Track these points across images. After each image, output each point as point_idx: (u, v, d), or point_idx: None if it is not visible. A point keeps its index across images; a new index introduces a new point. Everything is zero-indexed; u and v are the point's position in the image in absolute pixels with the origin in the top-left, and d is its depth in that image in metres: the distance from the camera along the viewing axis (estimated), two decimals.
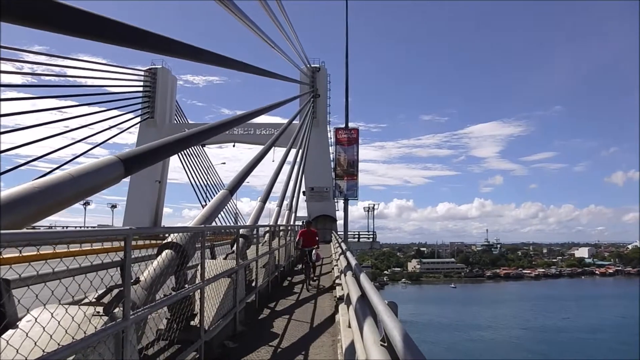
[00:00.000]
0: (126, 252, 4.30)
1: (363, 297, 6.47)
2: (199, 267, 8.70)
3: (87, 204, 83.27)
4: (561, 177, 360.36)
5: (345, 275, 9.67)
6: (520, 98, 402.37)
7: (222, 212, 65.75)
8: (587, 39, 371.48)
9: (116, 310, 4.37)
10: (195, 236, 7.49)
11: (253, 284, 12.84)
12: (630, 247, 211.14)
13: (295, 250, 22.45)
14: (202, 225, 8.32)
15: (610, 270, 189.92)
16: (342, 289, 12.11)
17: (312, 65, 71.83)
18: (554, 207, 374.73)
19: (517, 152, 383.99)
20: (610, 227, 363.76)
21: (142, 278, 6.29)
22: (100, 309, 4.34)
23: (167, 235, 7.58)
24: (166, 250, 7.17)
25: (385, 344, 3.94)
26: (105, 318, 4.25)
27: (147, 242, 8.46)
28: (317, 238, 18.48)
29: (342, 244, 17.33)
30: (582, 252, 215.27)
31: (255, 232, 13.55)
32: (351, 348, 6.67)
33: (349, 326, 8.07)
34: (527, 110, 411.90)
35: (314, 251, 17.75)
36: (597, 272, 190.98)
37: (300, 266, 20.74)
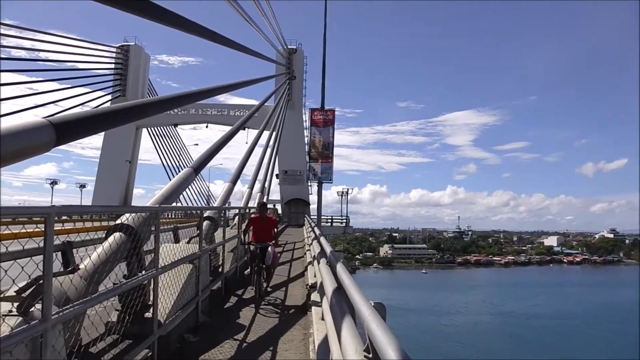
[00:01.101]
0: (47, 237, 3.42)
1: (339, 290, 5.69)
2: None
3: (54, 182, 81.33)
4: (533, 166, 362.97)
5: (319, 263, 8.87)
6: (495, 87, 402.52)
7: (193, 195, 65.25)
8: (564, 30, 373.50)
9: (33, 309, 3.52)
10: (151, 217, 6.58)
11: (219, 270, 11.95)
12: (597, 236, 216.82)
13: (242, 246, 14.00)
14: (157, 205, 7.27)
15: (578, 259, 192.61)
16: (315, 276, 11.37)
17: (289, 47, 70.78)
18: (525, 196, 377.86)
19: (491, 141, 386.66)
20: (579, 216, 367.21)
21: (82, 266, 5.41)
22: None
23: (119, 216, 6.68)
24: (116, 234, 6.27)
25: (370, 356, 3.15)
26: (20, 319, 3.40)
27: (99, 224, 7.55)
28: (275, 230, 12.78)
29: (316, 229, 16.26)
30: (551, 241, 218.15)
31: (222, 214, 12.65)
32: (324, 346, 5.89)
33: (322, 318, 7.30)
34: (502, 99, 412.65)
35: (269, 249, 12.09)
36: (565, 260, 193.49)
37: (247, 272, 12.61)
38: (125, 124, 8.63)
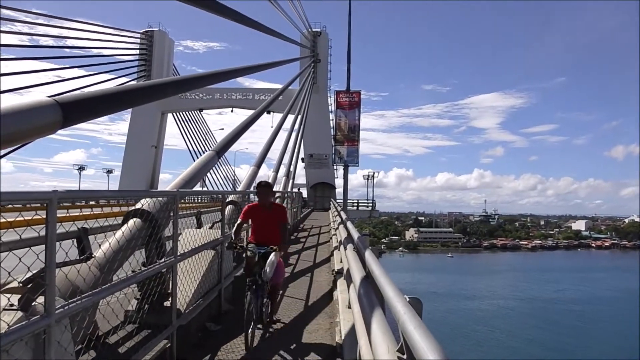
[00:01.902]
0: (48, 224, 3.12)
1: (367, 279, 5.36)
2: (180, 237, 7.62)
3: (81, 168, 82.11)
4: (561, 149, 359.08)
5: (345, 249, 8.54)
6: (522, 69, 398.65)
7: (220, 179, 65.40)
8: (592, 8, 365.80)
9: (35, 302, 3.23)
10: (169, 202, 6.28)
11: (244, 255, 11.66)
12: (627, 221, 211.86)
13: (231, 249, 8.66)
14: (175, 190, 6.99)
15: (607, 244, 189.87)
16: (341, 262, 11.05)
17: (314, 30, 70.21)
18: (553, 179, 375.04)
19: (518, 123, 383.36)
20: (608, 200, 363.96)
21: (97, 254, 5.14)
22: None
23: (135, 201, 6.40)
24: (133, 219, 6.00)
25: (405, 357, 2.80)
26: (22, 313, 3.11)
27: (118, 209, 7.27)
28: (284, 223, 8.10)
29: (342, 213, 15.78)
30: (579, 225, 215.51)
31: (246, 198, 12.34)
32: (351, 338, 5.58)
33: (349, 307, 6.98)
34: (529, 81, 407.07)
35: (271, 257, 7.33)
36: (593, 245, 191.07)
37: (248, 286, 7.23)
38: (139, 105, 8.31)
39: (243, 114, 70.14)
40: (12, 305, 3.18)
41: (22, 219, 3.23)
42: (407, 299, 2.93)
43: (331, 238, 19.53)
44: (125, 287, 4.70)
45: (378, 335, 3.53)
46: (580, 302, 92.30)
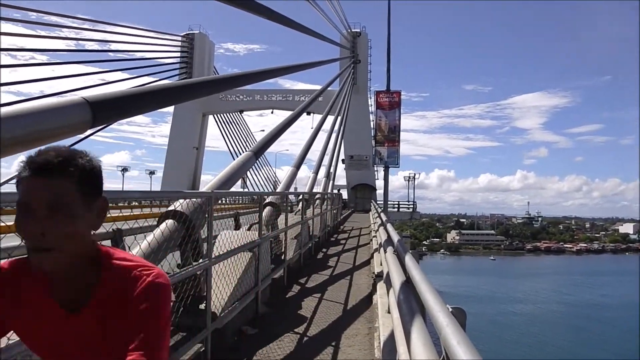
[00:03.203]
0: None
1: (408, 284, 5.14)
2: (217, 239, 7.49)
3: (125, 170, 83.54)
4: (608, 150, 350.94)
5: (385, 252, 8.32)
6: (566, 68, 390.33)
7: (261, 181, 65.77)
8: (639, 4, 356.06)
9: None
10: (205, 203, 6.16)
11: (282, 257, 11.52)
12: None
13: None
14: (210, 191, 6.77)
15: None
16: (381, 264, 10.83)
17: (353, 31, 70.11)
18: (599, 180, 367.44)
19: (562, 124, 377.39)
20: None
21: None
22: None
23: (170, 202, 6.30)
24: (168, 221, 5.90)
25: None
26: None
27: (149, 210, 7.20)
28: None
29: (382, 214, 15.51)
30: (627, 228, 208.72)
31: (285, 199, 12.20)
32: (390, 345, 5.36)
33: (388, 311, 6.77)
34: (573, 80, 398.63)
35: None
36: None
37: None
38: (171, 105, 8.24)
39: (283, 115, 70.02)
40: None
41: None
42: (450, 309, 2.72)
43: (371, 240, 19.29)
44: None
45: (418, 345, 3.31)
46: (629, 307, 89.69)
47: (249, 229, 9.66)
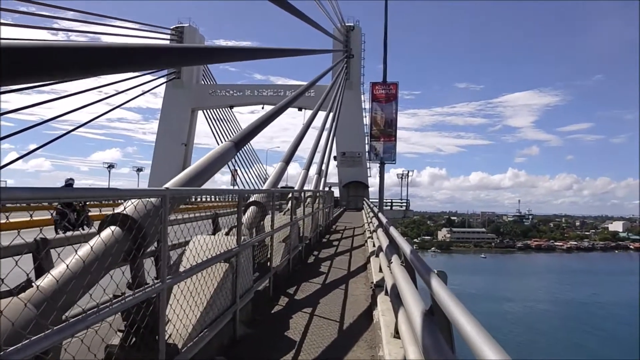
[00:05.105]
0: None
1: (431, 315, 3.76)
2: (186, 247, 6.09)
3: (111, 166, 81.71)
4: (598, 148, 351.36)
5: (390, 262, 6.92)
6: (558, 67, 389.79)
7: (252, 178, 64.64)
8: (631, 5, 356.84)
9: None
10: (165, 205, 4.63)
11: (268, 265, 9.98)
12: None
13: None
14: (164, 188, 4.88)
15: None
16: (381, 272, 9.44)
17: (347, 24, 68.91)
18: (590, 179, 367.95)
19: (553, 122, 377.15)
20: None
21: (44, 281, 3.60)
22: None
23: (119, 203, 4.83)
24: (111, 228, 4.42)
25: None
26: None
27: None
28: None
29: (380, 215, 13.56)
30: (617, 226, 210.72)
31: (272, 198, 10.68)
32: None
33: (397, 333, 5.39)
34: (565, 79, 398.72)
35: None
36: (631, 246, 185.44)
37: None
38: (125, 72, 6.75)
39: None
40: None
41: None
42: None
43: (366, 242, 17.91)
44: (72, 334, 3.10)
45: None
46: (618, 305, 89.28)
47: (227, 233, 8.08)
